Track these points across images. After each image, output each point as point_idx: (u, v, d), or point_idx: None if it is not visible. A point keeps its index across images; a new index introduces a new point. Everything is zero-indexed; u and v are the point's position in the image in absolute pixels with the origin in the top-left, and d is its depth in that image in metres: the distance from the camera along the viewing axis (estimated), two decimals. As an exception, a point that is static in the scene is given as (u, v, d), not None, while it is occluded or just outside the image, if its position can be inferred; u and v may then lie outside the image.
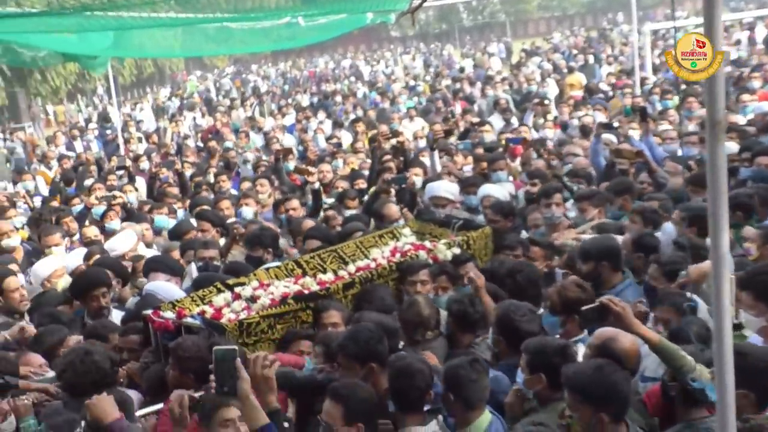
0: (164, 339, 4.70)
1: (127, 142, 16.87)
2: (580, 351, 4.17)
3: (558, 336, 4.52)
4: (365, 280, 5.40)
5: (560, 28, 54.01)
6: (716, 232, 2.74)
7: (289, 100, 25.68)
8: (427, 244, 6.05)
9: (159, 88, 44.32)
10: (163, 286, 5.88)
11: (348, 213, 8.17)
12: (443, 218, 6.76)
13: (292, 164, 11.14)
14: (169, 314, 4.88)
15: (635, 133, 9.85)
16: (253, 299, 5.07)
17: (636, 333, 3.78)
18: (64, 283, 6.65)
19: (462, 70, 29.39)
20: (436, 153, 9.58)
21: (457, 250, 5.86)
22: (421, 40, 56.92)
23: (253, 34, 11.19)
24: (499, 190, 7.95)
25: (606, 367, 3.52)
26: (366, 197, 8.67)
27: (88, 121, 25.82)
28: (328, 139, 15.34)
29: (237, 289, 5.26)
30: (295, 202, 8.45)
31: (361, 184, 9.45)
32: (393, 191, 8.37)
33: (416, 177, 8.85)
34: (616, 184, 7.40)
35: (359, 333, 4.09)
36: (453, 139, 11.18)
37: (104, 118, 23.04)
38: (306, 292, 5.18)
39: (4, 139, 23.70)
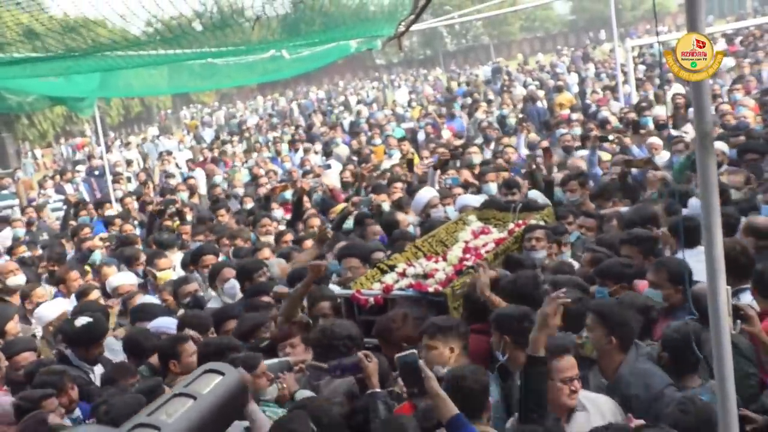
0: (363, 314, 5.33)
1: (115, 182, 16.74)
2: None
3: None
4: (501, 253, 6.08)
5: (544, 48, 54.47)
6: (711, 243, 2.73)
7: (277, 134, 25.66)
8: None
9: (147, 126, 44.35)
10: (165, 321, 6.04)
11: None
12: (503, 204, 7.49)
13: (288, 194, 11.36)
14: (371, 291, 5.44)
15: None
16: (426, 276, 5.57)
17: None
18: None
19: (450, 90, 29.89)
20: (437, 172, 9.93)
21: (542, 224, 6.61)
22: (407, 66, 57.26)
23: (238, 69, 11.22)
24: (476, 200, 8.31)
25: (625, 302, 4.53)
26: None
27: (76, 163, 25.66)
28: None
29: (398, 269, 5.76)
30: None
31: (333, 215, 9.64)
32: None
33: (383, 201, 9.39)
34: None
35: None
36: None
37: (94, 159, 22.82)
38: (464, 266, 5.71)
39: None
